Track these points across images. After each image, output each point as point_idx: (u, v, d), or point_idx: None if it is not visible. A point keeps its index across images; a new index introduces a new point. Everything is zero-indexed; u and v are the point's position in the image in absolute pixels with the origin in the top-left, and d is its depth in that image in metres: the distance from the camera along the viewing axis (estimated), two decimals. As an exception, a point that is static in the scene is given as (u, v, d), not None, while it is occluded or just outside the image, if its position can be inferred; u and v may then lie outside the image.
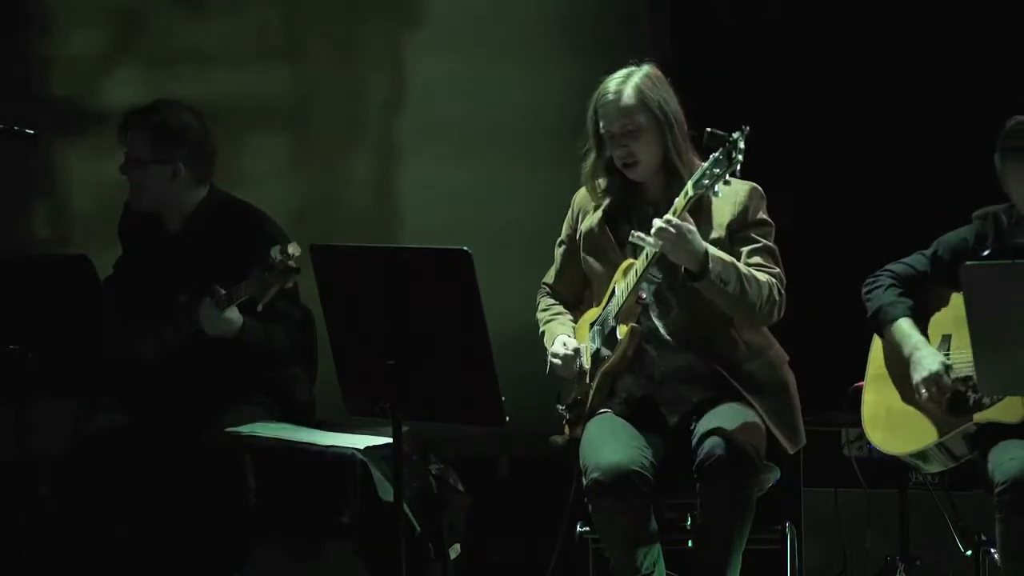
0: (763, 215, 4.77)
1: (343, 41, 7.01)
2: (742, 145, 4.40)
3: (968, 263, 4.56)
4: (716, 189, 4.45)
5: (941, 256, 4.96)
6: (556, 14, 6.99)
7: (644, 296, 4.71)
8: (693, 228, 4.53)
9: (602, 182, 4.83)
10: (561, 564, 5.03)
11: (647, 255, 4.60)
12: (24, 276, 4.78)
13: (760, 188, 4.77)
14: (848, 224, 6.34)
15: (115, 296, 5.03)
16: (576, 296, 5.01)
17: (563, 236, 5.01)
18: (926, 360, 4.79)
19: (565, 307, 5.02)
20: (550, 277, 5.06)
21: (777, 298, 4.68)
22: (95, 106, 6.86)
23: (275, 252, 4.93)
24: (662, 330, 4.77)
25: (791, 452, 4.82)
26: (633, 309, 4.72)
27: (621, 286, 4.72)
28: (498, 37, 6.95)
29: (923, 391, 4.78)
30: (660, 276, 4.68)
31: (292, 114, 7.05)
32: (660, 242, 4.52)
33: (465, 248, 4.20)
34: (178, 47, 6.91)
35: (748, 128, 4.44)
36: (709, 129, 4.49)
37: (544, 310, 5.03)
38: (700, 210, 4.66)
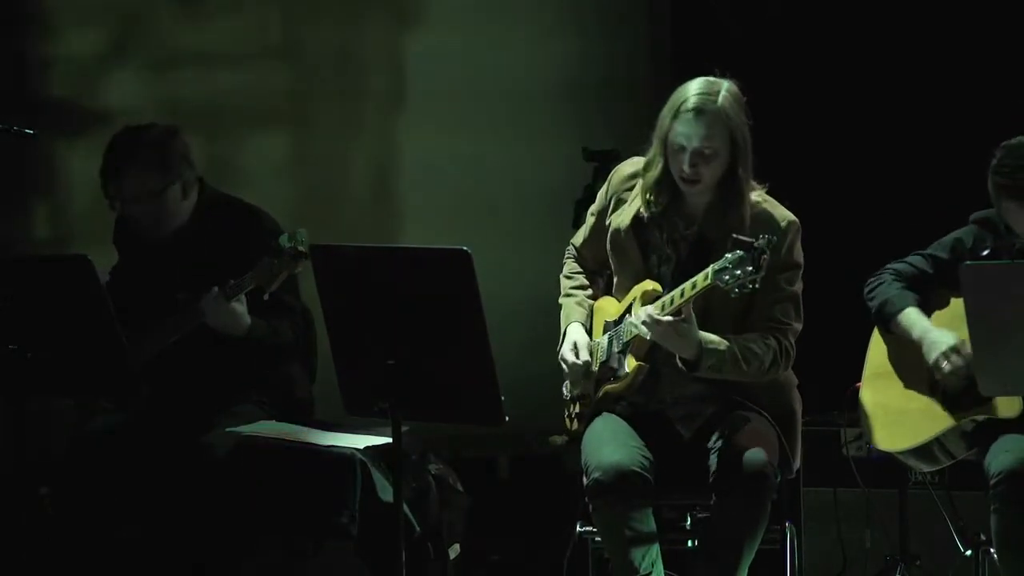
0: (797, 255, 4.69)
1: (343, 41, 7.01)
2: (767, 258, 4.33)
3: (968, 263, 4.56)
4: (735, 291, 4.36)
5: (940, 257, 4.96)
6: (556, 17, 7.00)
7: None
8: (683, 325, 4.47)
9: (658, 194, 4.70)
10: (571, 560, 5.03)
11: (675, 296, 4.54)
12: (24, 276, 4.77)
13: (798, 222, 4.70)
14: (847, 225, 6.33)
15: (115, 301, 5.03)
16: (601, 264, 4.94)
17: (595, 207, 4.91)
18: (942, 337, 4.79)
19: (589, 274, 4.97)
20: (578, 239, 4.99)
21: (781, 361, 4.64)
22: (95, 106, 6.86)
23: (284, 239, 4.94)
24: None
25: (792, 473, 4.80)
26: (644, 343, 4.69)
27: (637, 312, 4.69)
28: (498, 40, 6.95)
29: (944, 364, 4.75)
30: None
31: (292, 114, 7.06)
32: (648, 332, 4.50)
33: (465, 248, 4.20)
34: (178, 47, 6.92)
35: (775, 238, 4.43)
36: (735, 235, 4.41)
37: (568, 277, 4.99)
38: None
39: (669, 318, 4.48)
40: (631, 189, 4.80)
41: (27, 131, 5.48)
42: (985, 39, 6.32)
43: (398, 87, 7.02)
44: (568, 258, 5.02)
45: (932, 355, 4.80)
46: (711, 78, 4.66)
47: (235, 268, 5.02)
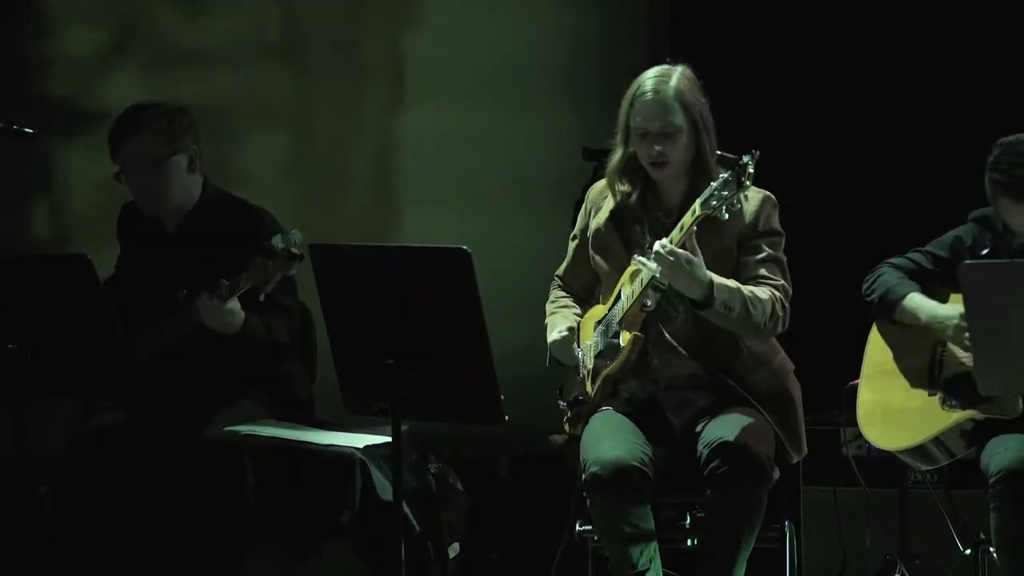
0: (774, 224, 4.74)
1: (343, 41, 7.02)
2: (751, 170, 4.38)
3: (967, 262, 4.56)
4: (725, 213, 4.41)
5: (939, 254, 4.96)
6: (556, 19, 7.00)
7: (649, 304, 4.69)
8: (694, 258, 4.48)
9: (624, 182, 4.79)
10: (563, 561, 5.03)
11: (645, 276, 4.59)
12: (23, 275, 4.77)
13: (773, 196, 4.74)
14: (847, 223, 6.34)
15: (117, 296, 5.04)
16: (587, 290, 4.99)
17: (575, 230, 4.97)
18: (951, 312, 4.78)
19: (576, 301, 5.01)
20: (562, 269, 5.04)
21: (780, 313, 4.66)
22: (94, 105, 6.86)
23: (277, 240, 4.95)
24: (668, 336, 4.76)
25: (793, 461, 4.81)
26: (637, 317, 4.71)
27: (627, 291, 4.70)
28: (497, 41, 6.96)
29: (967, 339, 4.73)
30: (666, 283, 4.65)
31: (292, 114, 7.06)
32: (660, 268, 4.51)
33: (464, 247, 4.20)
34: (178, 47, 6.92)
35: (758, 152, 4.43)
36: (719, 152, 4.48)
37: (552, 302, 5.02)
38: (710, 218, 4.56)
39: (681, 250, 4.48)
40: (607, 198, 4.84)
41: (27, 130, 5.49)
42: (984, 38, 6.32)
43: (398, 86, 7.03)
44: (553, 288, 5.06)
45: (950, 333, 4.79)
46: (665, 66, 4.74)
47: (234, 268, 5.02)
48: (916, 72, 6.39)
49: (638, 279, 4.65)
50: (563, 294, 5.02)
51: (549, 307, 5.02)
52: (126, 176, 5.25)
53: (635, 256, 4.62)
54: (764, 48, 6.52)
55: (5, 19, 6.89)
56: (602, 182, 4.91)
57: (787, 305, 4.69)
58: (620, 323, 4.72)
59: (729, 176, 4.40)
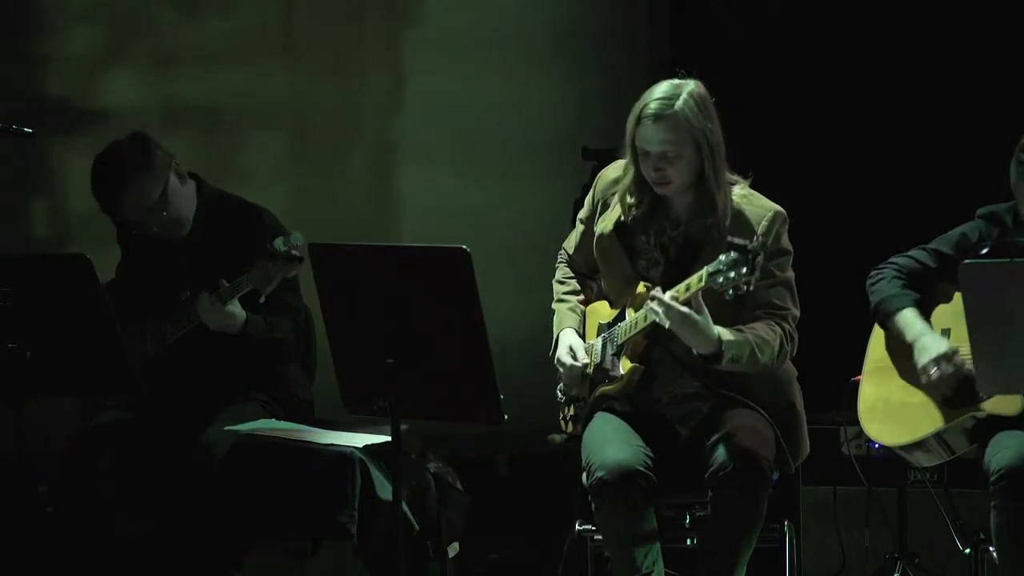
0: (783, 243, 4.71)
1: (343, 41, 7.02)
2: (760, 260, 4.34)
3: (966, 261, 4.55)
4: (730, 292, 4.37)
5: (944, 252, 4.95)
6: (555, 17, 7.00)
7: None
8: (699, 318, 4.46)
9: (632, 195, 4.75)
10: (562, 561, 5.04)
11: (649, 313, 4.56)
12: (23, 275, 4.77)
13: (783, 212, 4.71)
14: (848, 220, 6.34)
15: (119, 299, 5.04)
16: (593, 268, 4.95)
17: (583, 214, 4.95)
18: (934, 344, 4.78)
19: (582, 278, 4.98)
20: (570, 245, 5.02)
21: (788, 347, 4.65)
22: (93, 105, 6.86)
23: (279, 242, 4.95)
24: (671, 354, 4.73)
25: (792, 469, 4.80)
26: (639, 344, 4.70)
27: (631, 316, 4.69)
28: (497, 40, 6.96)
29: (932, 371, 4.74)
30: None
31: (292, 114, 7.06)
32: (668, 321, 4.48)
33: (464, 247, 4.20)
34: (177, 47, 6.92)
35: (768, 242, 4.46)
36: (729, 238, 4.42)
37: (560, 282, 5.01)
38: (719, 238, 4.55)
39: (685, 308, 4.46)
40: (617, 193, 4.82)
41: (26, 130, 5.49)
42: (986, 34, 6.32)
43: (398, 87, 7.03)
44: (560, 262, 5.04)
45: (921, 360, 4.79)
46: (676, 80, 4.67)
47: (237, 267, 5.03)
48: (918, 70, 6.39)
49: (643, 310, 4.62)
50: (570, 273, 5.00)
51: (557, 288, 5.00)
52: (140, 224, 5.24)
53: (647, 303, 4.57)
54: (765, 51, 6.52)
55: (5, 19, 6.89)
56: (612, 171, 4.86)
57: (795, 335, 4.67)
58: (623, 346, 4.72)
59: (739, 258, 4.32)
